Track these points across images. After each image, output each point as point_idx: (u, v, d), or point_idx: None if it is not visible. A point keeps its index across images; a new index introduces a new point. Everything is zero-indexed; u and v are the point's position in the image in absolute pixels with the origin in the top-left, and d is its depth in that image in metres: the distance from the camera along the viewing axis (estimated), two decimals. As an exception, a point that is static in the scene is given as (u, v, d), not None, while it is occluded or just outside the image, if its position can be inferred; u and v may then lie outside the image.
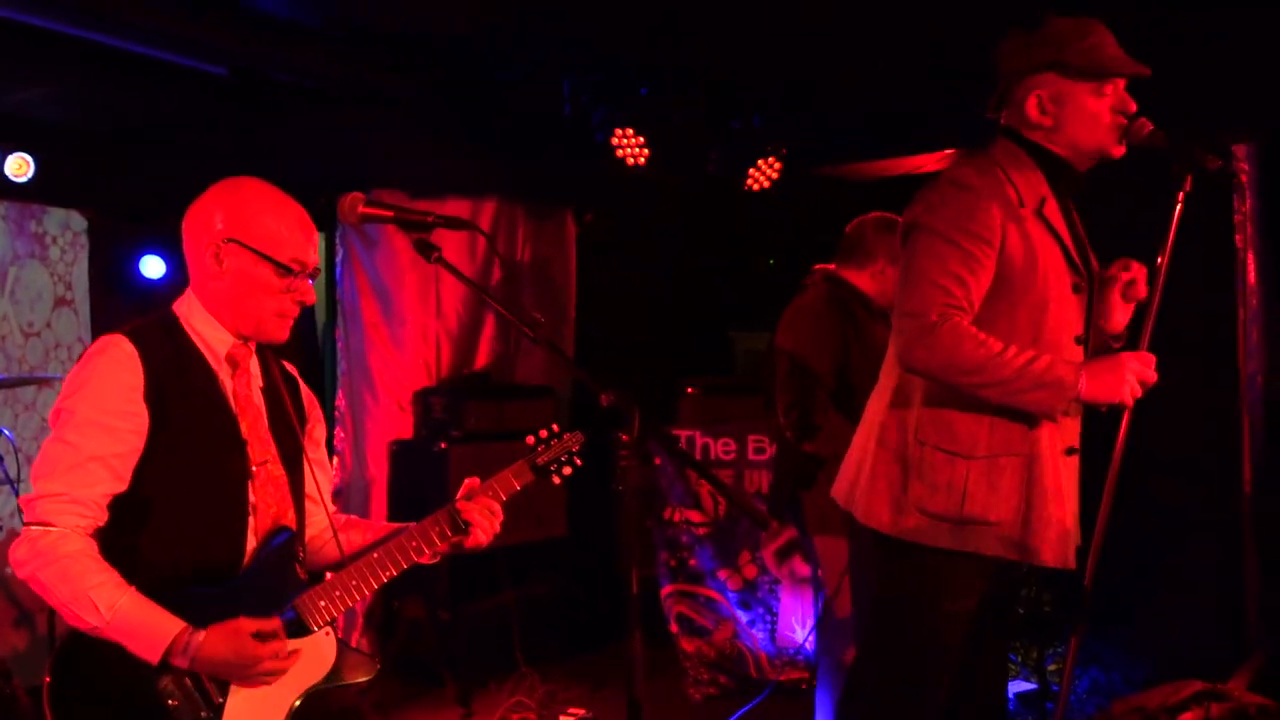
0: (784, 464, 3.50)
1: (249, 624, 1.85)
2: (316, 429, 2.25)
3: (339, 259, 5.30)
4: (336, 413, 5.25)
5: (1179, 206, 2.32)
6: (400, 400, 5.29)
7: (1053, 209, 2.32)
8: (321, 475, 2.21)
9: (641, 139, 4.75)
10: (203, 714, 1.87)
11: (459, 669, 4.87)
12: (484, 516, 2.13)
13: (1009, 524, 2.27)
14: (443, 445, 4.82)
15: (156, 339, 1.96)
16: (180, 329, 2.00)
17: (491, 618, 5.03)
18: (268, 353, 2.15)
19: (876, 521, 2.34)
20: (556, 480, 2.23)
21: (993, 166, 2.32)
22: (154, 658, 1.79)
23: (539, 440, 2.22)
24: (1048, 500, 2.28)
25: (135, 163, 4.82)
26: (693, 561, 4.84)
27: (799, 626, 4.69)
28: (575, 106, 4.58)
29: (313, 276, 2.07)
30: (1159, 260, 2.35)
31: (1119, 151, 2.33)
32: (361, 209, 2.00)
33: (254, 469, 2.00)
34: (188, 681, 1.86)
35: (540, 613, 5.27)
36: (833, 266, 3.50)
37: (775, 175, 5.18)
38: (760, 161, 5.09)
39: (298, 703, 1.98)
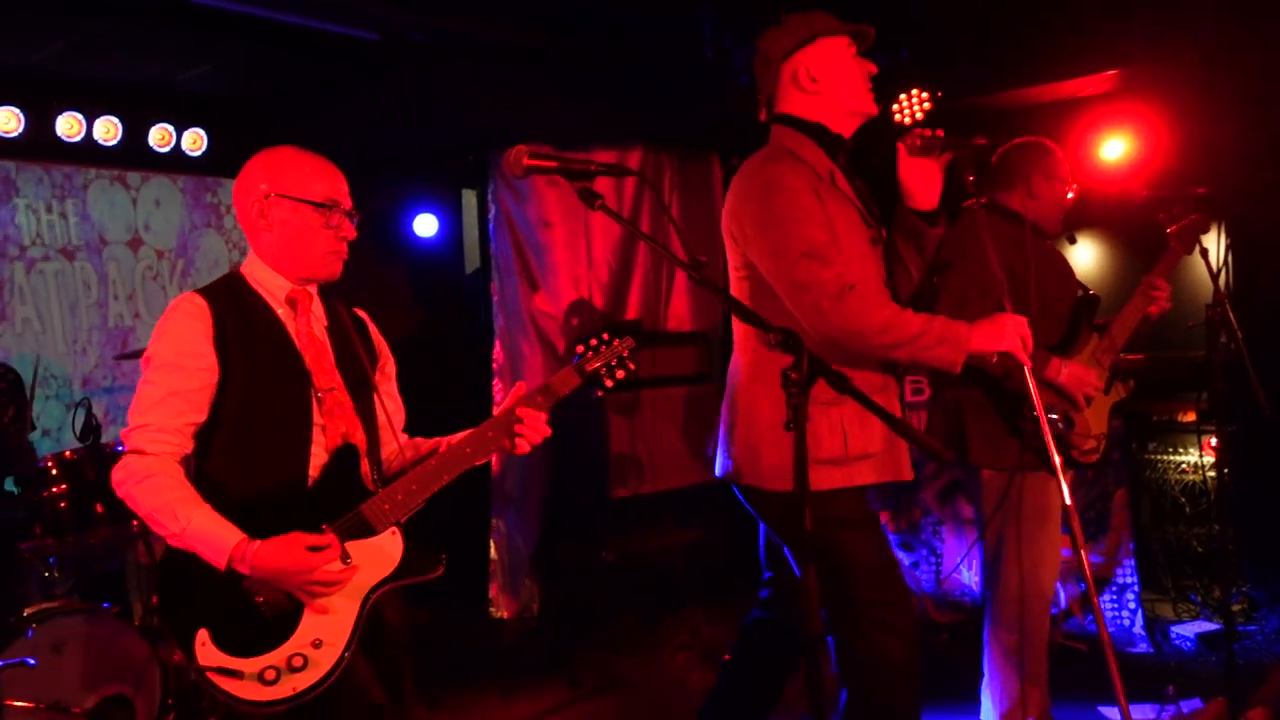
0: (947, 397, 3.44)
1: (304, 537, 2.07)
2: (388, 365, 2.48)
3: (491, 215, 5.43)
4: (495, 364, 5.40)
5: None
6: (556, 350, 5.41)
7: (840, 177, 2.59)
8: (393, 407, 2.43)
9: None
10: (286, 606, 2.11)
11: (623, 610, 4.99)
12: (530, 429, 2.28)
13: (881, 453, 2.56)
14: (599, 393, 4.89)
15: (223, 293, 2.24)
16: (244, 283, 2.27)
17: (656, 559, 5.13)
18: (337, 301, 2.40)
19: (774, 484, 2.53)
20: (609, 383, 2.36)
21: (783, 154, 2.58)
22: (220, 564, 2.03)
23: (588, 347, 2.35)
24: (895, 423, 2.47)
25: (297, 129, 5.02)
26: (852, 504, 4.81)
27: (964, 568, 4.62)
28: (717, 50, 4.53)
29: (350, 216, 2.28)
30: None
31: (875, 109, 2.64)
32: (526, 161, 2.06)
33: (321, 395, 2.22)
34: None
35: (704, 554, 5.35)
36: (984, 200, 3.41)
37: (924, 110, 5.03)
38: (907, 94, 4.95)
39: (370, 596, 2.18)
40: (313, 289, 2.33)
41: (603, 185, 5.09)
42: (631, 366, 2.39)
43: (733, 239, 2.68)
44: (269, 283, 2.27)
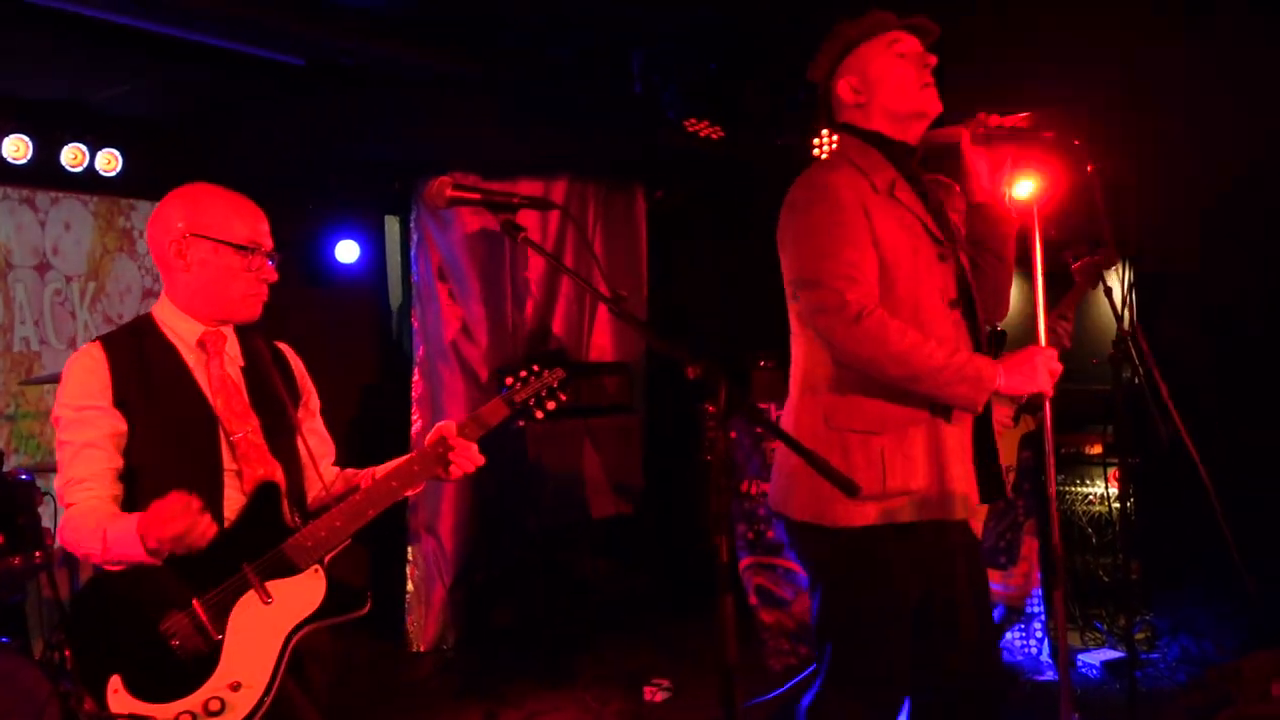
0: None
1: (180, 494, 1.99)
2: (311, 400, 2.46)
3: (414, 242, 5.39)
4: (415, 393, 5.35)
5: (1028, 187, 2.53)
6: (478, 380, 5.38)
7: (904, 187, 2.43)
8: (316, 442, 2.41)
9: (708, 121, 4.75)
10: (203, 649, 2.07)
11: (541, 641, 4.96)
12: (463, 459, 2.28)
13: (925, 488, 2.37)
14: (520, 423, 4.88)
15: (125, 340, 2.22)
16: (153, 327, 2.24)
17: (575, 590, 5.11)
18: (256, 336, 2.36)
19: (808, 514, 2.40)
20: (539, 415, 2.36)
21: (841, 161, 2.46)
22: (141, 552, 1.99)
23: (516, 378, 2.35)
24: (952, 459, 2.40)
25: (217, 152, 4.94)
26: (770, 534, 4.85)
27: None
28: (646, 84, 4.58)
29: (271, 258, 2.26)
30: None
31: (935, 108, 2.43)
32: (449, 192, 2.05)
33: (235, 438, 2.19)
34: (187, 621, 2.07)
35: (624, 584, 5.34)
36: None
37: (844, 146, 5.13)
38: (825, 131, 5.06)
39: (292, 637, 2.14)
40: (227, 329, 2.29)
41: (527, 215, 5.11)
42: (563, 398, 2.38)
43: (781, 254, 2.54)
44: (179, 327, 2.25)
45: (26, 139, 4.52)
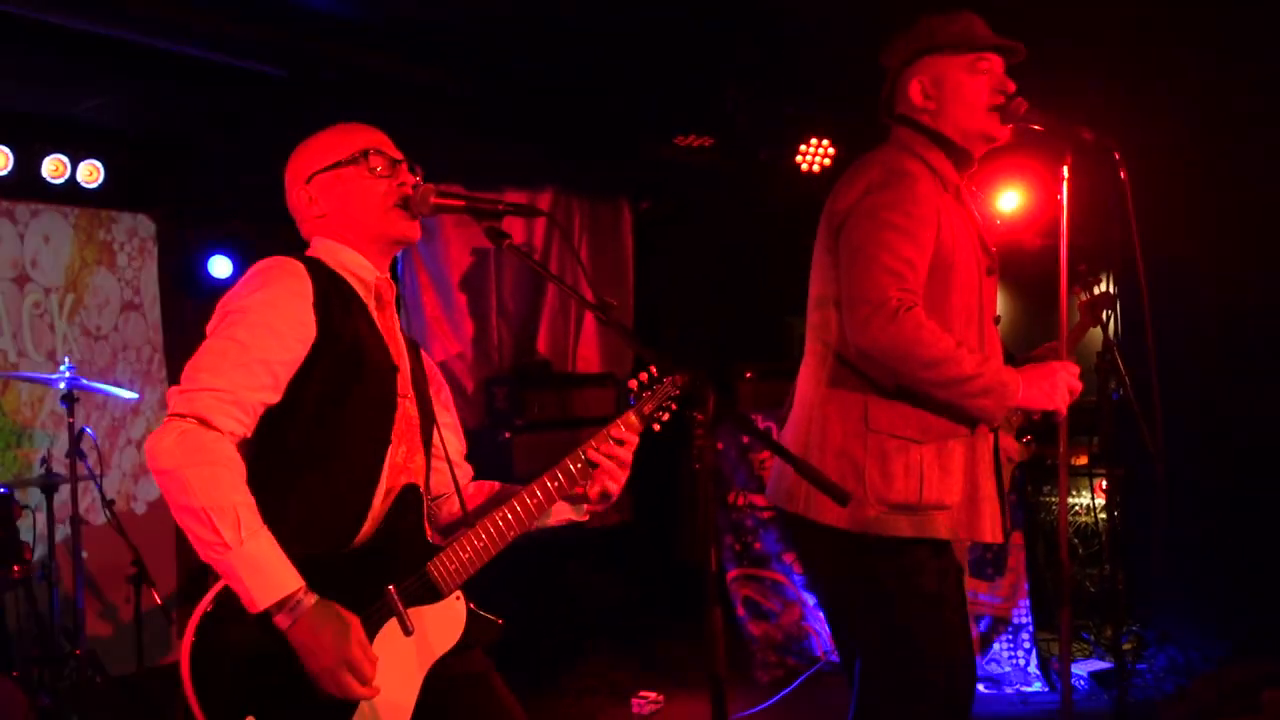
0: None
1: (360, 628, 1.76)
2: (442, 393, 2.18)
3: (398, 252, 5.37)
4: (400, 406, 5.32)
5: (1065, 184, 2.33)
6: (464, 391, 5.35)
7: (966, 191, 2.37)
8: (453, 438, 2.16)
9: (694, 133, 4.76)
10: None
11: (526, 653, 4.92)
12: (613, 454, 2.03)
13: (959, 506, 2.27)
14: (506, 435, 4.87)
15: (313, 264, 1.90)
16: (325, 265, 1.94)
17: (561, 601, 5.08)
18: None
19: (833, 518, 2.25)
20: (656, 428, 2.13)
21: (908, 153, 2.35)
22: (262, 604, 1.66)
23: (641, 385, 2.09)
24: (986, 477, 2.32)
25: (200, 165, 4.91)
26: (757, 545, 4.84)
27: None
28: (631, 95, 4.59)
29: (404, 165, 2.02)
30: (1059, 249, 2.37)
31: (1002, 133, 2.35)
32: (434, 199, 2.02)
33: (398, 400, 1.93)
34: None
35: (611, 596, 5.31)
36: None
37: (829, 159, 5.15)
38: (812, 140, 5.07)
39: (430, 675, 1.92)
40: (393, 285, 2.04)
41: (512, 226, 5.10)
42: (674, 408, 2.11)
43: (827, 247, 2.38)
44: (354, 264, 1.95)
45: (7, 150, 4.48)
